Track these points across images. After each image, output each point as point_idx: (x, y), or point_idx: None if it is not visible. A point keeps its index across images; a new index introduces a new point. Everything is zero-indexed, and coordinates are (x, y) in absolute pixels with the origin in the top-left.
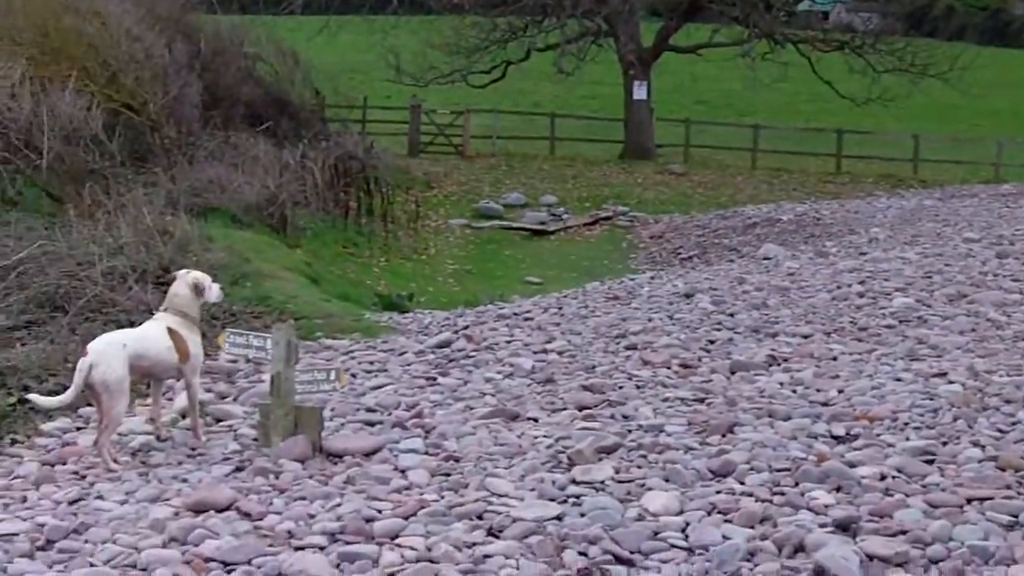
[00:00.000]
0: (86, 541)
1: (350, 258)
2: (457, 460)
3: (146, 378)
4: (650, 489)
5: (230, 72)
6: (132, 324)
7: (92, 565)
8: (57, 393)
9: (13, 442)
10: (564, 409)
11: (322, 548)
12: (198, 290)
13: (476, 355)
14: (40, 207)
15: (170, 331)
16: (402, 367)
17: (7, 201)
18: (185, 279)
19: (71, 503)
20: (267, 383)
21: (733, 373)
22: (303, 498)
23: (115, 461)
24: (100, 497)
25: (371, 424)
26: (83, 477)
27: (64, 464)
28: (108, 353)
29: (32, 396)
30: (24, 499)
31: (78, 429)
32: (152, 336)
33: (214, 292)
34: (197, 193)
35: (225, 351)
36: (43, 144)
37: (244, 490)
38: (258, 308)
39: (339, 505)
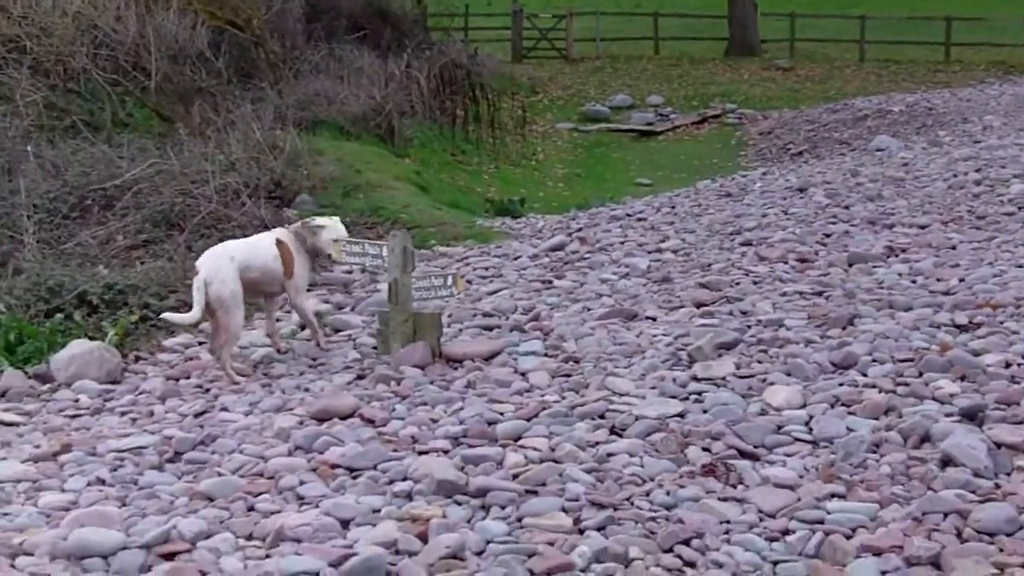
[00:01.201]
0: (213, 452)
1: (459, 166)
2: (576, 361)
3: (256, 292)
4: (772, 384)
5: None
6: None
7: (220, 475)
8: (178, 310)
9: (137, 359)
10: (681, 307)
11: (446, 452)
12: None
13: (590, 257)
14: (151, 127)
15: (279, 243)
16: (517, 271)
17: (118, 123)
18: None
19: (197, 416)
20: (384, 291)
21: (851, 265)
22: (425, 403)
23: (239, 374)
24: (225, 409)
25: (489, 329)
26: (207, 390)
27: (188, 378)
28: (219, 269)
29: (166, 315)
30: (151, 413)
31: (200, 344)
32: (261, 246)
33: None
34: (304, 107)
35: (341, 261)
36: (151, 65)
37: (366, 397)
38: (371, 219)
39: (461, 409)
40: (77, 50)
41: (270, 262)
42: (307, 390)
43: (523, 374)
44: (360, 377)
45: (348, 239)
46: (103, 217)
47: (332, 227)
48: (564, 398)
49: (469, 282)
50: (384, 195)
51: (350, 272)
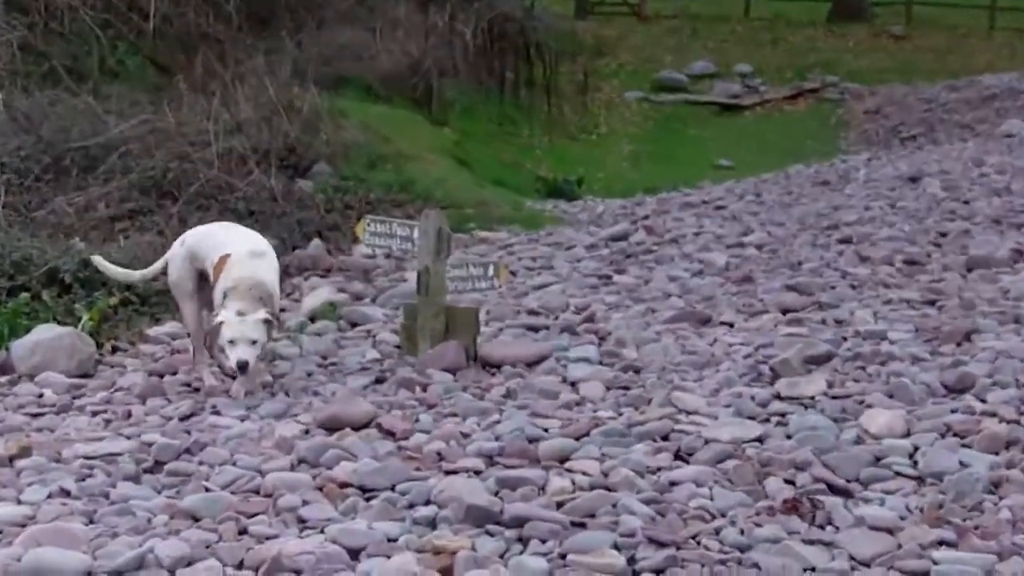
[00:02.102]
0: (201, 463)
1: (507, 137)
2: (637, 371)
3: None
4: (870, 406)
5: None
6: (251, 213)
7: (208, 490)
8: (167, 292)
9: (115, 349)
10: (765, 312)
11: (478, 472)
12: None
13: (658, 249)
14: (145, 78)
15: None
16: (570, 263)
17: (107, 72)
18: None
19: (183, 419)
20: (412, 280)
21: (970, 271)
22: (455, 414)
23: (215, 377)
24: (217, 412)
25: (535, 329)
26: (196, 389)
27: (174, 374)
28: (174, 251)
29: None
30: (128, 414)
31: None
32: (212, 232)
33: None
34: (327, 62)
35: (363, 242)
36: (148, 4)
37: (385, 404)
38: (400, 196)
39: (498, 423)
40: None
41: (207, 263)
42: (316, 393)
43: (573, 384)
44: (379, 381)
45: (371, 218)
46: (83, 181)
47: (230, 324)
48: (621, 414)
49: (513, 273)
50: (417, 168)
51: (372, 256)
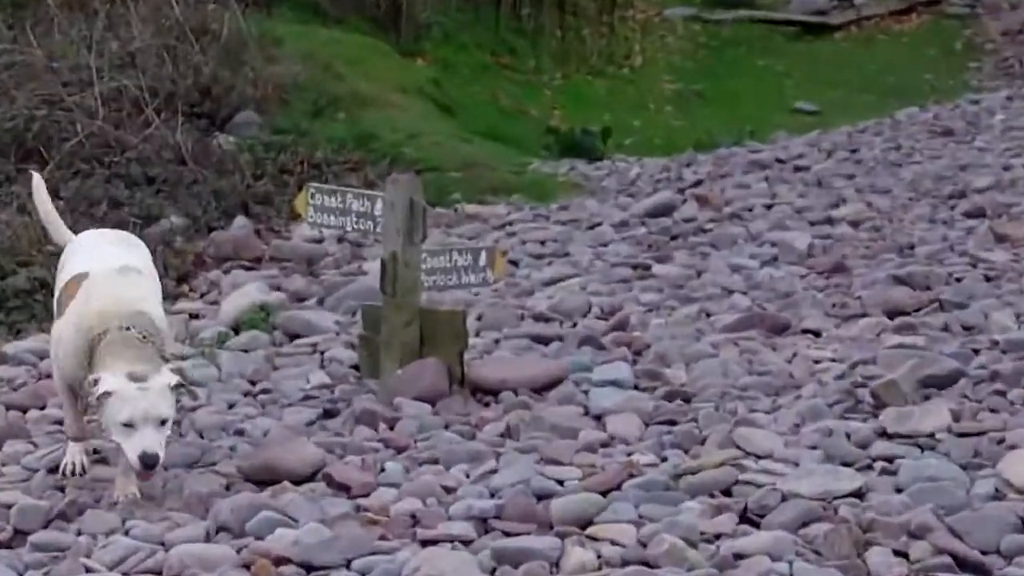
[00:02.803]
0: (79, 532)
1: (504, 73)
2: (686, 399)
3: None
4: (1013, 447)
5: None
6: (150, 181)
7: (89, 571)
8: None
9: None
10: (863, 316)
11: (467, 543)
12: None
13: (715, 228)
14: None
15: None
16: (593, 248)
17: None
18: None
19: (52, 470)
20: (374, 273)
21: None
22: (434, 461)
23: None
24: (102, 461)
25: (544, 341)
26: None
27: (42, 408)
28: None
29: None
30: None
31: None
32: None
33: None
34: None
35: (306, 220)
36: None
37: (337, 447)
38: (356, 154)
39: (494, 472)
40: None
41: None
42: (240, 433)
43: (598, 418)
44: (328, 414)
45: (317, 187)
46: None
47: (124, 397)
48: (664, 459)
49: (514, 263)
50: (380, 117)
51: (319, 240)
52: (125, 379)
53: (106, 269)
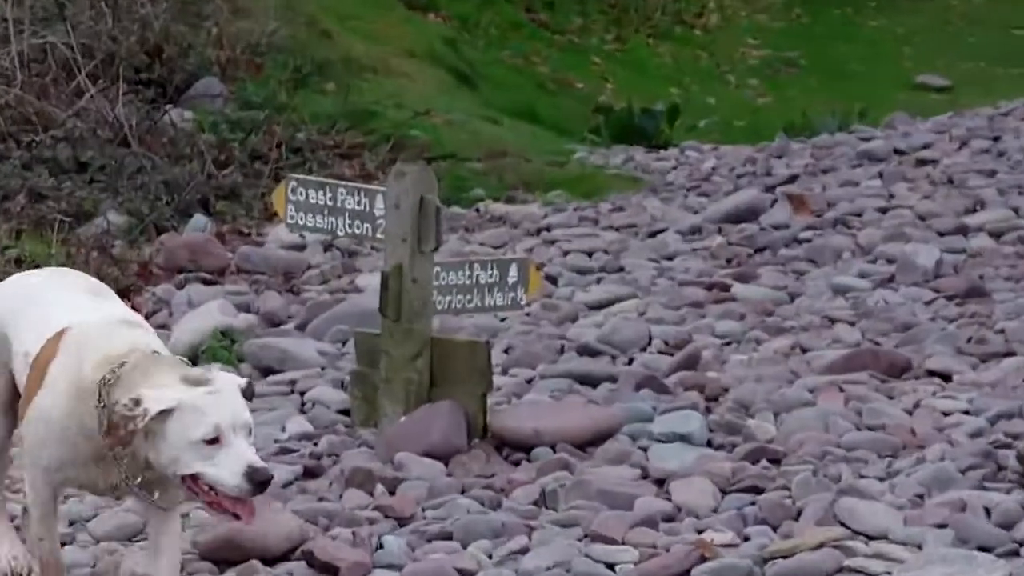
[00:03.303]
0: None
1: (541, 33)
2: (776, 461)
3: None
4: None
5: None
6: (82, 167)
7: None
8: None
9: None
10: (1007, 355)
11: None
12: None
13: (814, 238)
14: None
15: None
16: (655, 262)
17: None
18: None
19: None
20: (372, 291)
21: None
22: (447, 536)
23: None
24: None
25: (591, 382)
26: None
27: None
28: None
29: None
30: None
31: None
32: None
33: None
34: None
35: (285, 221)
36: None
37: (321, 517)
38: (350, 137)
39: (525, 552)
40: None
41: (18, 355)
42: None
43: (660, 483)
44: (311, 474)
45: (299, 178)
46: None
47: (198, 406)
48: (747, 539)
49: (553, 280)
50: (380, 89)
51: (301, 247)
52: (184, 385)
53: (97, 320)
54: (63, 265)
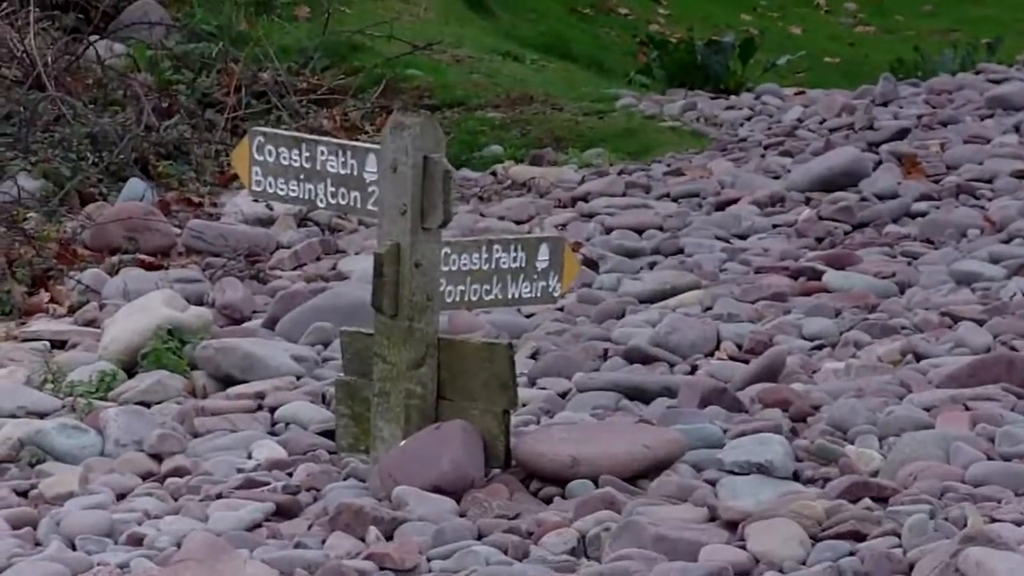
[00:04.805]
0: None
1: None
2: (882, 499)
3: None
4: None
5: None
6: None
7: None
8: None
9: None
10: None
11: None
12: None
13: (929, 210)
14: None
15: None
16: (723, 242)
17: None
18: None
19: None
20: (360, 276)
21: None
22: None
23: None
24: None
25: (643, 397)
26: None
27: None
28: None
29: None
30: None
31: None
32: None
33: None
34: None
35: (249, 187)
36: None
37: (299, 569)
38: (328, 76)
39: None
40: None
41: None
42: (136, 542)
43: (733, 526)
44: (284, 513)
45: (265, 132)
46: None
47: None
48: None
49: (593, 264)
50: (370, 13)
51: (268, 222)
52: None
53: None
54: None
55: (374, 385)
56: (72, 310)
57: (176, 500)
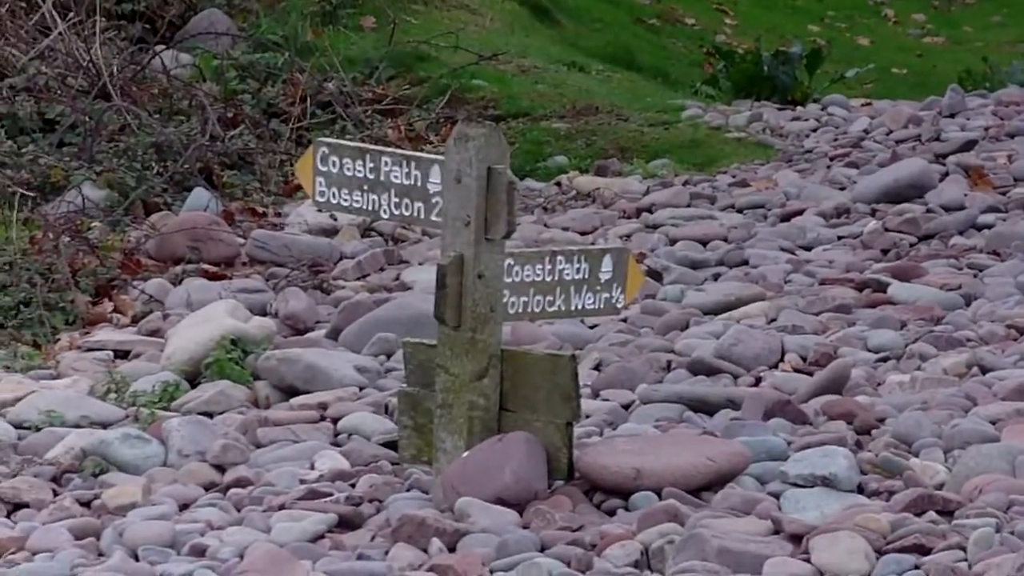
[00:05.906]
0: None
1: None
2: (948, 512)
3: None
4: None
5: None
6: (49, 127)
7: None
8: None
9: None
10: None
11: None
12: None
13: (997, 222)
14: None
15: None
16: (789, 254)
17: None
18: None
19: None
20: (424, 288)
21: None
22: None
23: None
24: None
25: (706, 409)
26: None
27: None
28: None
29: None
30: None
31: None
32: None
33: None
34: None
35: (312, 198)
36: None
37: None
38: (393, 86)
39: None
40: None
41: None
42: (199, 553)
43: (798, 539)
44: (347, 524)
45: (330, 143)
46: None
47: None
48: None
49: (657, 276)
50: (436, 23)
51: (331, 232)
52: None
53: None
54: (24, 253)
55: (437, 396)
56: (135, 320)
57: (239, 511)
